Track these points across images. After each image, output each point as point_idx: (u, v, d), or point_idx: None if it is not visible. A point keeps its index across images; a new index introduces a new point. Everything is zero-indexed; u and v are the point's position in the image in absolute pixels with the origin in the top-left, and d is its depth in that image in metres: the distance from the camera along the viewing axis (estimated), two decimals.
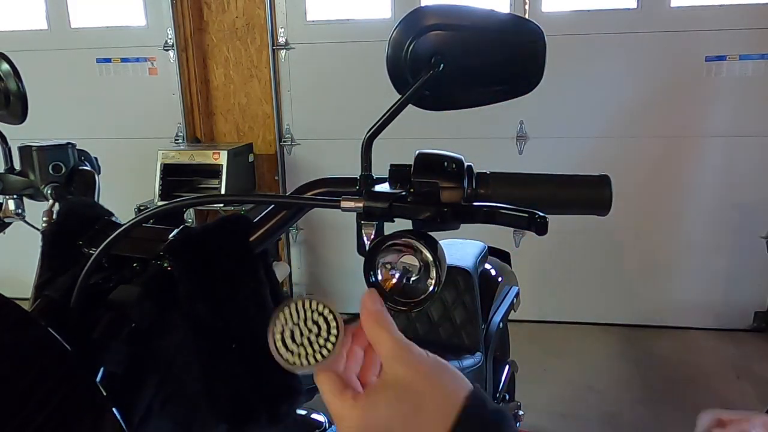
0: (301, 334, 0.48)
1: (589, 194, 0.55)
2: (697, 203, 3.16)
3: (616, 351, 3.11)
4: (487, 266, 1.76)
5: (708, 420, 0.74)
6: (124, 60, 3.41)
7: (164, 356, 0.59)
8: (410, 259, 0.51)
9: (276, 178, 3.47)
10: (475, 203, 0.53)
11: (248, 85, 3.37)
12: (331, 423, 1.08)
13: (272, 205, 0.64)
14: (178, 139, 3.42)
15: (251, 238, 0.62)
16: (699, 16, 2.93)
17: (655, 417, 2.55)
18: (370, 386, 0.47)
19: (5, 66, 0.88)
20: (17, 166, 0.95)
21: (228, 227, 0.62)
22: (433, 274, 0.51)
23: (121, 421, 0.52)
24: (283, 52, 3.30)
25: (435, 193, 0.53)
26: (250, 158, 3.30)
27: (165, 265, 0.60)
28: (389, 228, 0.54)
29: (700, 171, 3.12)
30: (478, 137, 3.14)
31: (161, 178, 3.00)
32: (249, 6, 3.25)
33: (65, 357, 0.49)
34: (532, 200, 0.55)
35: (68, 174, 0.92)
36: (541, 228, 0.48)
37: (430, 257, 0.51)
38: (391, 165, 0.56)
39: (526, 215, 0.49)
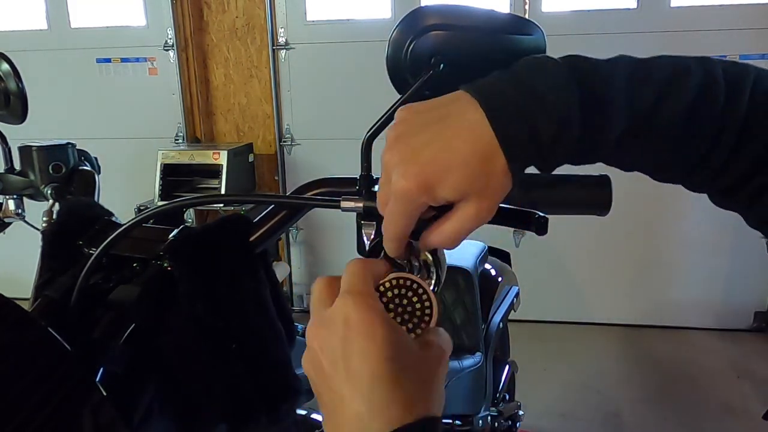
0: (398, 307, 0.45)
1: (589, 194, 0.55)
2: (697, 203, 3.15)
3: (616, 351, 3.11)
4: (487, 266, 1.76)
5: None
6: (124, 60, 3.41)
7: (164, 356, 0.59)
8: (410, 259, 0.51)
9: (276, 178, 3.47)
10: None
11: (248, 85, 3.37)
12: None
13: (272, 205, 0.64)
14: (178, 139, 3.42)
15: (251, 238, 0.62)
16: (699, 16, 2.93)
17: (655, 417, 2.55)
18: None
19: (5, 66, 0.88)
20: (17, 166, 0.95)
21: (228, 227, 0.62)
22: (433, 274, 0.51)
23: (121, 421, 0.52)
24: (283, 52, 3.30)
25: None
26: (250, 158, 3.30)
27: (165, 265, 0.60)
28: None
29: None
30: None
31: (161, 178, 2.99)
32: (249, 6, 3.25)
33: (65, 357, 0.49)
34: (532, 200, 0.55)
35: (68, 174, 0.92)
36: (541, 228, 0.48)
37: (430, 257, 0.51)
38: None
39: (526, 215, 0.49)
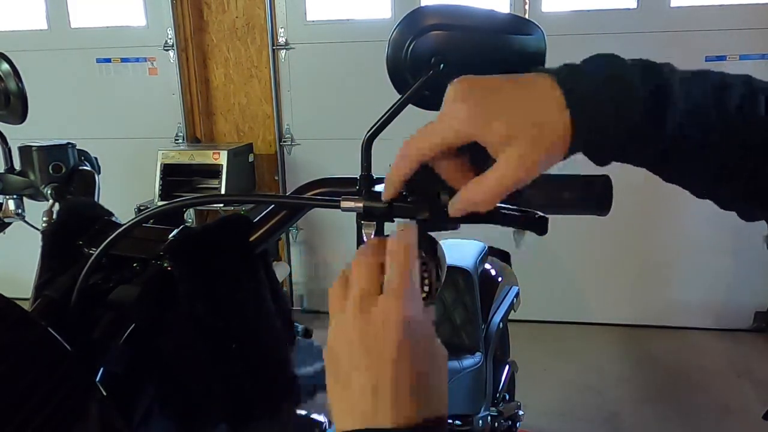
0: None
1: (589, 194, 0.55)
2: (698, 203, 3.14)
3: (616, 351, 3.11)
4: (487, 266, 1.76)
5: None
6: (124, 60, 3.41)
7: (164, 356, 0.59)
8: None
9: (276, 178, 3.46)
10: None
11: (248, 85, 3.37)
12: (331, 423, 1.08)
13: (272, 205, 0.64)
14: (178, 139, 3.42)
15: (251, 238, 0.62)
16: (699, 16, 2.93)
17: (655, 417, 2.55)
18: None
19: (5, 66, 0.88)
20: (17, 166, 0.95)
21: (228, 227, 0.62)
22: (434, 274, 0.51)
23: (121, 421, 0.52)
24: (283, 52, 3.30)
25: (435, 193, 0.53)
26: (250, 158, 3.30)
27: (165, 265, 0.60)
28: (389, 228, 0.54)
29: None
30: None
31: (161, 178, 2.99)
32: (249, 6, 3.25)
33: (65, 357, 0.49)
34: (532, 200, 0.55)
35: (68, 174, 0.92)
36: (541, 228, 0.48)
37: (430, 257, 0.51)
38: (391, 165, 0.56)
39: (526, 215, 0.49)
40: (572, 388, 2.75)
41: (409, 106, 0.57)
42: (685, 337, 3.22)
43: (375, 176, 0.56)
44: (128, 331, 0.57)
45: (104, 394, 0.51)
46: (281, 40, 3.28)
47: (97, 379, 0.54)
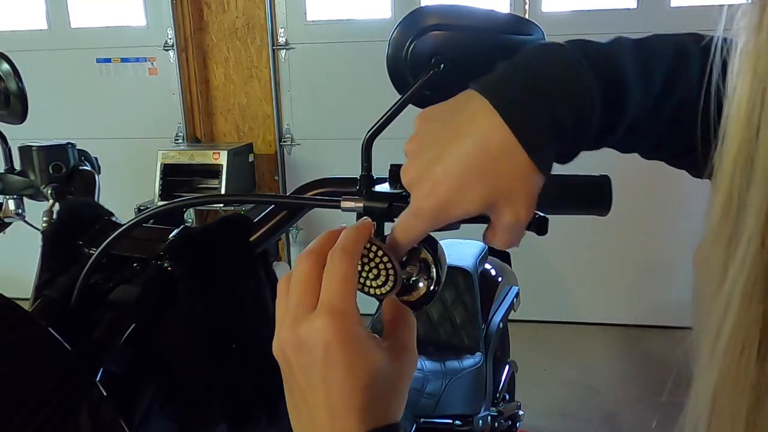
0: (365, 264, 0.46)
1: (589, 194, 0.55)
2: (698, 203, 3.16)
3: (616, 351, 3.11)
4: (487, 266, 1.76)
5: None
6: (124, 60, 3.41)
7: (164, 356, 0.59)
8: (410, 260, 0.51)
9: (276, 178, 3.46)
10: None
11: (248, 85, 3.37)
12: None
13: (272, 205, 0.64)
14: (178, 139, 3.42)
15: (251, 238, 0.62)
16: (699, 16, 2.93)
17: (655, 417, 2.54)
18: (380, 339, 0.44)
19: (5, 66, 0.88)
20: (17, 166, 0.95)
21: (228, 227, 0.62)
22: (433, 274, 0.51)
23: (121, 421, 0.52)
24: (283, 52, 3.30)
25: None
26: (250, 158, 3.30)
27: (165, 265, 0.60)
28: (389, 228, 0.54)
29: None
30: None
31: (161, 178, 2.99)
32: (249, 6, 3.25)
33: (65, 357, 0.49)
34: None
35: (68, 174, 0.92)
36: (541, 228, 0.48)
37: (430, 257, 0.51)
38: (391, 165, 0.56)
39: None
40: (572, 388, 2.75)
41: (409, 106, 0.57)
42: (685, 337, 3.21)
43: (375, 176, 0.56)
44: (128, 331, 0.57)
45: (104, 394, 0.51)
46: (281, 40, 3.28)
47: (97, 379, 0.54)
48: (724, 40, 0.37)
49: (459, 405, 1.42)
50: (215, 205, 2.62)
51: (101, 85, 3.46)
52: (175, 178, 3.00)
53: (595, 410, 2.59)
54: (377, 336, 0.43)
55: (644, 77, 0.43)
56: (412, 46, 0.57)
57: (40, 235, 0.74)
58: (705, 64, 0.42)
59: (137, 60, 3.40)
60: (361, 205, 0.53)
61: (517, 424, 1.85)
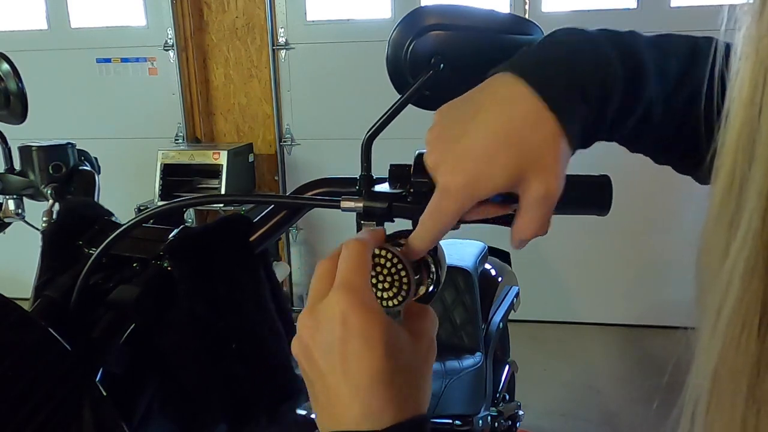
0: (377, 275, 0.45)
1: (589, 194, 0.55)
2: (698, 203, 3.15)
3: (616, 351, 3.11)
4: (487, 266, 1.76)
5: None
6: (124, 60, 3.41)
7: (164, 356, 0.59)
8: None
9: (276, 178, 3.47)
10: None
11: (248, 85, 3.37)
12: None
13: (272, 205, 0.64)
14: (178, 139, 3.42)
15: (251, 238, 0.62)
16: (699, 16, 2.93)
17: (655, 417, 2.54)
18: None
19: (5, 66, 0.88)
20: (17, 166, 0.95)
21: (228, 227, 0.62)
22: (433, 274, 0.51)
23: (121, 421, 0.52)
24: (283, 52, 3.30)
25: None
26: (250, 158, 3.30)
27: (165, 265, 0.60)
28: (389, 228, 0.54)
29: None
30: None
31: (161, 178, 2.99)
32: (249, 6, 3.25)
33: (65, 357, 0.49)
34: None
35: (68, 174, 0.92)
36: None
37: (430, 257, 0.51)
38: (391, 165, 0.56)
39: None
40: (572, 388, 2.75)
41: (409, 106, 0.57)
42: (685, 337, 3.21)
43: (375, 176, 0.56)
44: (128, 331, 0.57)
45: (104, 394, 0.51)
46: (281, 40, 3.28)
47: (97, 379, 0.54)
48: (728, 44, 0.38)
49: (459, 405, 1.42)
50: (215, 205, 2.62)
51: (101, 85, 3.46)
52: (175, 178, 3.01)
53: (595, 410, 2.59)
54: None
55: (660, 63, 0.43)
56: (411, 46, 0.57)
57: (40, 235, 0.74)
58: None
59: (137, 60, 3.40)
60: (360, 205, 0.53)
61: (517, 424, 1.85)
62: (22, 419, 0.44)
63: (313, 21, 3.26)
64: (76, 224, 0.67)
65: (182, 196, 0.72)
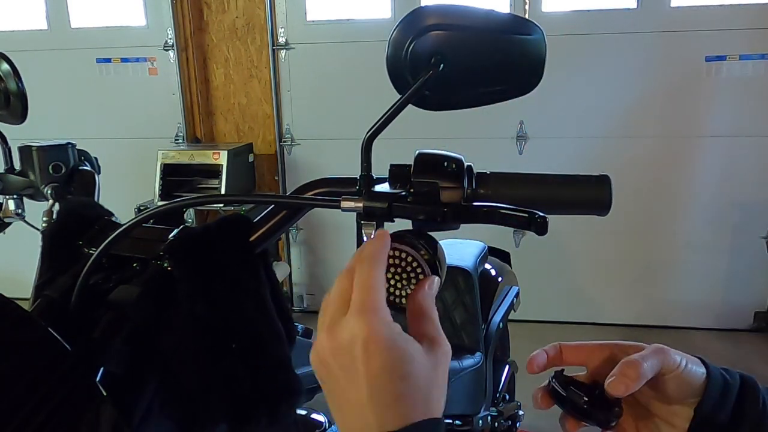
0: (393, 275, 0.49)
1: (589, 194, 0.55)
2: (697, 203, 3.16)
3: None
4: (487, 266, 1.76)
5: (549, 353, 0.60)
6: (124, 60, 3.41)
7: (164, 356, 0.59)
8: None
9: (276, 178, 3.47)
10: (475, 203, 0.53)
11: (248, 85, 3.37)
12: (331, 423, 1.08)
13: (272, 205, 0.64)
14: (178, 139, 3.42)
15: (251, 238, 0.62)
16: (699, 16, 2.93)
17: None
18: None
19: (5, 66, 0.88)
20: (17, 166, 0.95)
21: (228, 227, 0.62)
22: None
23: (121, 421, 0.52)
24: (283, 52, 3.30)
25: (435, 193, 0.53)
26: (250, 158, 3.30)
27: (165, 265, 0.60)
28: (389, 228, 0.54)
29: (700, 171, 3.12)
30: (478, 137, 3.14)
31: (161, 178, 2.99)
32: (249, 6, 3.25)
33: (65, 357, 0.49)
34: (532, 200, 0.55)
35: (68, 174, 0.92)
36: (541, 228, 0.48)
37: (429, 258, 0.51)
38: (391, 165, 0.56)
39: (526, 215, 0.49)
40: None
41: (409, 106, 0.57)
42: (685, 337, 3.22)
43: (375, 176, 0.56)
44: (128, 331, 0.57)
45: (104, 394, 0.51)
46: (281, 40, 3.28)
47: (97, 379, 0.54)
48: None
49: (459, 405, 1.42)
50: (215, 205, 2.62)
51: (101, 85, 3.46)
52: (175, 178, 3.01)
53: None
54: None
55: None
56: (411, 46, 0.57)
57: (40, 235, 0.74)
58: None
59: (137, 60, 3.40)
60: (361, 205, 0.53)
61: (517, 424, 1.85)
62: (22, 419, 0.44)
63: (313, 21, 3.26)
64: (76, 224, 0.67)
65: (182, 196, 0.72)
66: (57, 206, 0.89)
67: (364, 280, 0.45)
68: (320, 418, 1.07)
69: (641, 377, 0.51)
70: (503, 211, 0.50)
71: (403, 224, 0.54)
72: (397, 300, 0.50)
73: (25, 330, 0.48)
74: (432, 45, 0.57)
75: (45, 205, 0.91)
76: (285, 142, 3.41)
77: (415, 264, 0.49)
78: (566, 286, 3.38)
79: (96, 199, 0.91)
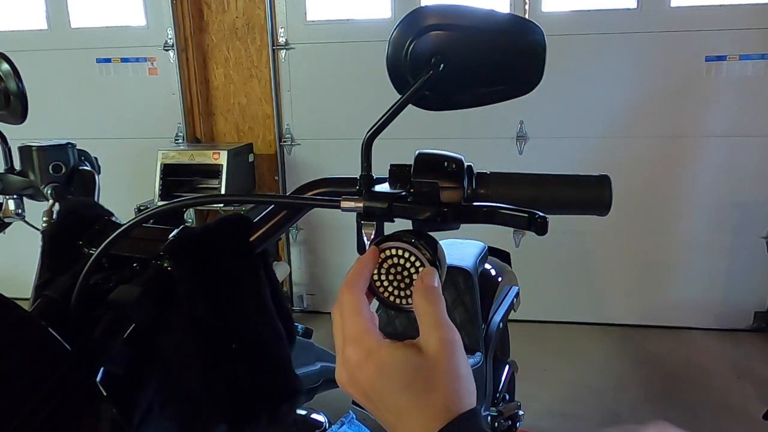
0: (395, 275, 0.50)
1: (589, 194, 0.55)
2: (697, 203, 3.16)
3: (616, 351, 3.11)
4: (487, 266, 1.76)
5: None
6: (124, 60, 3.41)
7: (164, 356, 0.59)
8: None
9: (276, 178, 3.47)
10: (474, 203, 0.53)
11: (248, 85, 3.37)
12: (331, 423, 1.08)
13: (272, 205, 0.64)
14: (178, 139, 3.42)
15: (251, 238, 0.62)
16: (699, 16, 2.93)
17: (655, 417, 2.54)
18: (398, 342, 0.48)
19: (5, 66, 0.88)
20: (17, 166, 0.95)
21: (228, 227, 0.62)
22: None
23: (121, 421, 0.52)
24: (283, 52, 3.30)
25: (435, 193, 0.53)
26: (250, 158, 3.30)
27: (165, 265, 0.60)
28: (389, 228, 0.54)
29: (700, 171, 3.12)
30: (478, 137, 3.14)
31: (161, 178, 2.99)
32: (249, 6, 3.25)
33: (65, 357, 0.49)
34: (532, 200, 0.55)
35: (68, 174, 0.92)
36: (541, 228, 0.48)
37: (430, 257, 0.51)
38: (391, 165, 0.56)
39: (526, 215, 0.49)
40: (572, 388, 2.75)
41: (409, 106, 0.57)
42: (685, 337, 3.22)
43: (375, 176, 0.56)
44: (128, 331, 0.57)
45: (104, 394, 0.51)
46: (281, 40, 3.28)
47: (97, 379, 0.54)
48: None
49: None
50: (215, 205, 2.61)
51: (101, 85, 3.46)
52: (175, 178, 3.01)
53: (595, 410, 2.59)
54: (395, 341, 0.47)
55: None
56: (411, 46, 0.57)
57: (40, 235, 0.74)
58: None
59: (137, 60, 3.40)
60: (361, 205, 0.53)
61: (517, 424, 1.85)
62: (22, 419, 0.44)
63: (313, 21, 3.26)
64: (76, 224, 0.67)
65: (182, 196, 0.72)
66: (57, 206, 0.89)
67: (344, 313, 0.48)
68: (320, 418, 1.07)
69: None
70: (503, 211, 0.50)
71: (403, 224, 0.54)
72: (399, 300, 0.50)
73: (25, 330, 0.48)
74: (432, 45, 0.57)
75: (45, 205, 0.91)
76: (285, 142, 3.41)
77: (418, 264, 0.49)
78: (566, 286, 3.38)
79: (96, 199, 0.91)
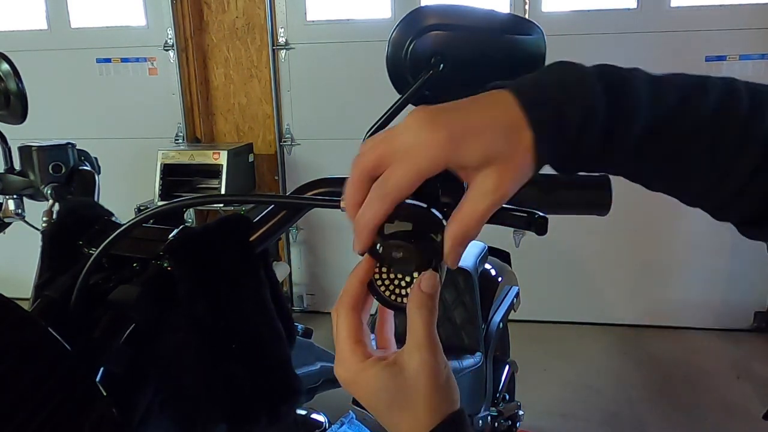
0: (396, 274, 0.49)
1: (589, 194, 0.55)
2: None
3: (616, 351, 3.11)
4: (487, 266, 1.76)
5: None
6: (124, 60, 3.41)
7: (164, 356, 0.59)
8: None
9: (276, 178, 3.47)
10: None
11: (248, 85, 3.37)
12: (331, 423, 1.08)
13: (272, 205, 0.64)
14: (178, 139, 3.42)
15: (251, 238, 0.62)
16: (699, 16, 2.93)
17: (655, 417, 2.55)
18: (384, 357, 0.48)
19: (5, 66, 0.88)
20: (17, 166, 0.95)
21: (228, 227, 0.62)
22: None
23: (121, 421, 0.52)
24: (283, 52, 3.30)
25: (435, 192, 0.53)
26: (250, 158, 3.30)
27: (165, 265, 0.60)
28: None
29: None
30: None
31: (161, 178, 3.00)
32: (249, 6, 3.25)
33: (65, 357, 0.49)
34: (532, 200, 0.55)
35: (68, 174, 0.92)
36: (541, 228, 0.48)
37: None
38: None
39: (526, 215, 0.49)
40: (572, 388, 2.75)
41: (409, 105, 0.57)
42: (685, 337, 3.22)
43: None
44: (128, 331, 0.57)
45: (104, 394, 0.51)
46: (281, 40, 3.28)
47: (97, 379, 0.54)
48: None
49: None
50: (215, 205, 2.61)
51: (101, 85, 3.46)
52: (175, 178, 3.01)
53: (595, 410, 2.59)
54: (381, 358, 0.48)
55: (657, 94, 0.44)
56: (411, 46, 0.57)
57: (40, 235, 0.74)
58: (730, 98, 0.44)
59: (137, 60, 3.40)
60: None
61: (517, 424, 1.85)
62: (22, 419, 0.44)
63: (313, 21, 3.26)
64: (76, 224, 0.67)
65: (182, 196, 0.72)
66: (57, 206, 0.89)
67: (336, 331, 0.49)
68: (320, 418, 1.07)
69: None
70: (503, 211, 0.50)
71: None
72: (399, 300, 0.49)
73: (25, 330, 0.48)
74: (432, 45, 0.57)
75: (45, 205, 0.91)
76: (285, 142, 3.41)
77: (419, 264, 0.49)
78: (566, 286, 3.38)
79: (96, 199, 0.91)
